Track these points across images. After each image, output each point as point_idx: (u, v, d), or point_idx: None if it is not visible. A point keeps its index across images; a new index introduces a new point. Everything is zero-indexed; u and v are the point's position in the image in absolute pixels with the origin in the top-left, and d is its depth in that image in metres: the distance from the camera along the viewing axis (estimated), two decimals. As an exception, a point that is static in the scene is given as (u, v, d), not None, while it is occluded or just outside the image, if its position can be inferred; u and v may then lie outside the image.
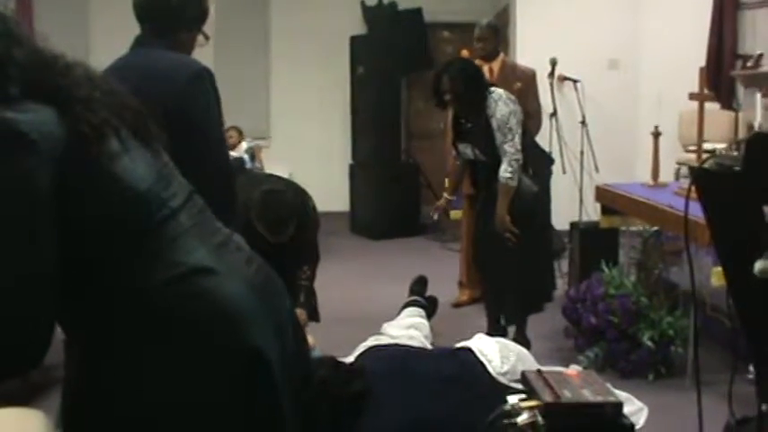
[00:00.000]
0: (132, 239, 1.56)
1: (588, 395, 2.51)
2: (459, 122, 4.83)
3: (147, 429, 1.56)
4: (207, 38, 3.01)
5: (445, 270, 6.39)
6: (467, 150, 4.79)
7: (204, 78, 2.79)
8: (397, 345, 3.96)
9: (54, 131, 1.47)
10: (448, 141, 5.69)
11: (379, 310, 5.24)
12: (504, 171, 4.56)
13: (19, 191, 1.41)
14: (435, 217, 5.36)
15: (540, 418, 2.43)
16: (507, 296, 4.80)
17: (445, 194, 5.20)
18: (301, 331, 1.87)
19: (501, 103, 4.59)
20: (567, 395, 2.49)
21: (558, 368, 3.26)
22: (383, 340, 4.15)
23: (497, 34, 5.65)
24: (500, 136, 4.56)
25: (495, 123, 4.56)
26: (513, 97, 4.70)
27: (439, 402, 3.32)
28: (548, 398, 2.47)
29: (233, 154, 8.18)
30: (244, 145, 8.38)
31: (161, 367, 1.55)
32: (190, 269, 1.58)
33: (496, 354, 3.61)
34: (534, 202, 4.74)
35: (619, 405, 2.49)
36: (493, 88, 4.71)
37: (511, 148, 4.56)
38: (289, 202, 4.11)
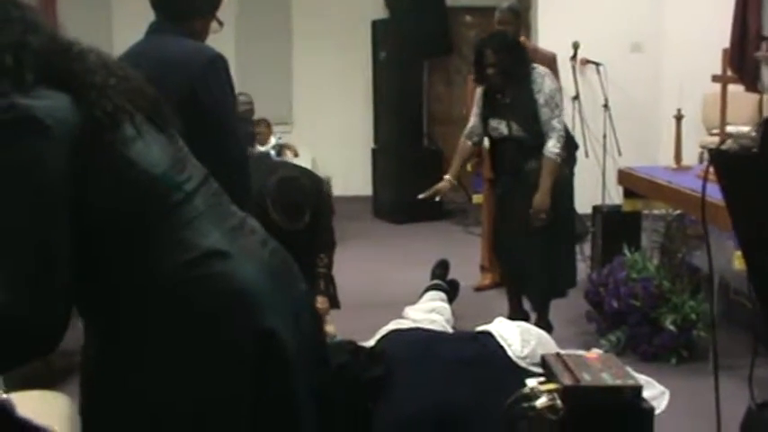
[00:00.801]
0: (147, 222, 1.57)
1: (607, 378, 2.50)
2: (493, 98, 4.70)
3: (162, 408, 1.57)
4: (221, 24, 3.02)
5: (467, 254, 6.39)
6: (500, 126, 4.65)
7: (218, 65, 2.81)
8: (417, 329, 3.97)
9: (68, 117, 1.49)
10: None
11: (401, 294, 5.25)
12: (553, 146, 4.48)
13: (34, 175, 1.43)
14: (437, 199, 5.04)
15: (559, 401, 2.43)
16: (532, 281, 4.75)
17: (447, 176, 4.93)
18: (316, 315, 1.87)
19: (548, 79, 4.57)
20: (586, 378, 2.49)
21: (578, 352, 3.25)
22: (404, 324, 4.16)
23: (518, 18, 5.61)
24: (548, 111, 4.50)
25: (542, 98, 4.50)
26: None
27: (459, 386, 3.33)
28: (567, 381, 2.47)
29: (260, 148, 8.20)
30: (272, 140, 8.36)
31: (176, 348, 1.57)
32: (204, 252, 1.60)
33: (517, 337, 3.61)
34: (566, 185, 4.71)
35: (638, 388, 2.48)
36: (535, 65, 4.68)
37: (558, 125, 4.53)
38: (304, 188, 4.11)
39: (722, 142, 1.78)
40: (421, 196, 4.97)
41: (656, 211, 5.63)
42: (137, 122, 1.61)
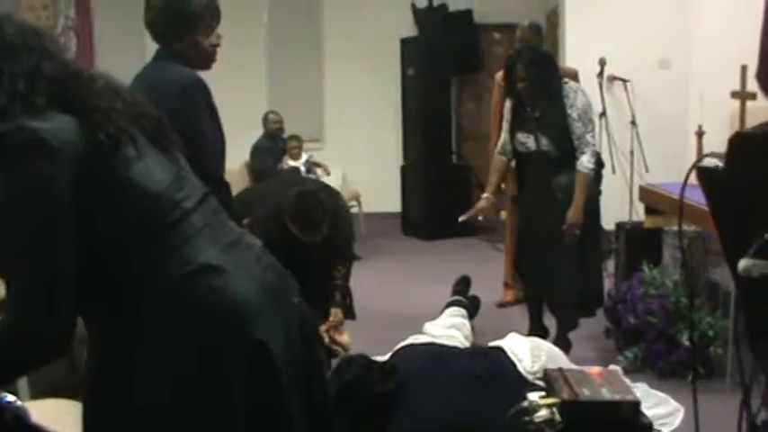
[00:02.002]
0: (147, 238, 1.66)
1: (606, 393, 2.54)
2: (522, 112, 4.67)
3: (154, 415, 1.65)
4: (218, 36, 3.08)
5: (493, 270, 6.43)
6: (528, 141, 4.62)
7: (193, 92, 2.89)
8: (431, 343, 4.02)
9: (73, 139, 1.59)
10: (494, 140, 5.69)
11: (425, 309, 5.28)
12: (588, 162, 4.47)
13: (42, 193, 1.54)
14: (480, 219, 4.90)
15: (557, 416, 2.48)
16: (560, 298, 4.71)
17: (486, 194, 4.84)
18: (311, 328, 1.94)
19: (580, 94, 4.56)
20: (585, 393, 2.53)
21: (584, 368, 3.28)
22: (421, 339, 4.21)
23: (539, 35, 5.65)
24: (581, 126, 4.48)
25: (575, 113, 4.48)
26: None
27: (470, 401, 3.36)
28: (565, 395, 2.51)
29: (291, 163, 8.32)
30: (304, 156, 8.48)
31: (169, 357, 1.65)
32: (199, 267, 1.68)
33: (527, 353, 3.65)
34: (594, 202, 4.71)
35: (636, 404, 2.52)
36: (567, 79, 4.68)
37: (592, 139, 4.52)
38: (322, 202, 4.19)
39: (701, 158, 1.83)
40: (462, 218, 4.84)
41: (677, 228, 5.62)
42: (138, 144, 1.71)
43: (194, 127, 2.86)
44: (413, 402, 3.34)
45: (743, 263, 1.55)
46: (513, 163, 4.95)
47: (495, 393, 3.36)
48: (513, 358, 3.58)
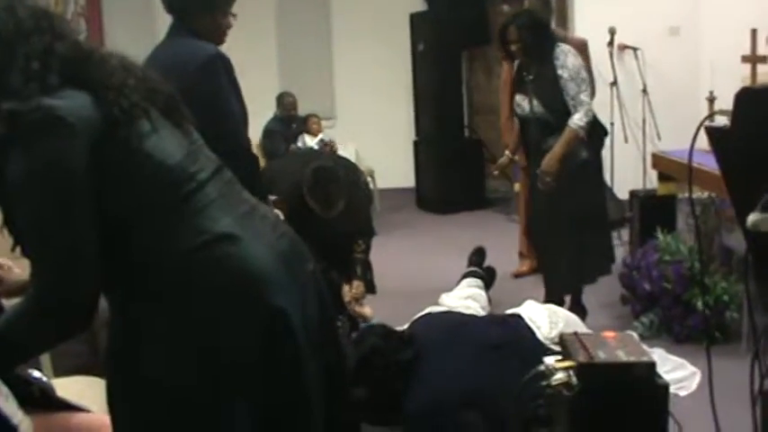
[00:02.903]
0: (163, 210, 1.70)
1: (622, 355, 2.55)
2: (520, 75, 4.75)
3: (174, 387, 1.70)
4: (233, 16, 3.10)
5: (508, 241, 6.46)
6: (523, 103, 4.69)
7: (214, 64, 2.90)
8: (449, 312, 4.06)
9: (89, 115, 1.63)
10: (505, 112, 5.73)
11: (441, 282, 5.32)
12: (579, 119, 4.49)
13: (59, 169, 1.58)
14: (496, 173, 5.43)
15: (573, 378, 2.50)
16: (562, 265, 4.78)
17: (507, 152, 5.15)
18: (326, 295, 1.98)
19: (571, 55, 4.59)
20: (600, 356, 2.54)
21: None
22: (439, 309, 4.25)
23: (548, 5, 5.64)
24: (574, 86, 4.51)
25: (567, 74, 4.51)
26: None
27: (488, 368, 3.39)
28: (581, 358, 2.53)
29: (309, 142, 8.34)
30: (320, 135, 8.50)
31: (189, 325, 1.69)
32: (215, 236, 1.72)
33: (545, 320, 3.68)
34: (588, 170, 4.72)
35: (652, 365, 2.52)
36: (559, 43, 4.71)
37: (586, 98, 4.53)
38: (338, 177, 4.23)
39: (708, 116, 1.85)
40: (495, 172, 5.41)
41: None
42: (152, 118, 1.75)
43: (220, 99, 2.89)
44: (431, 370, 3.37)
45: (751, 217, 1.57)
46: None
47: (513, 360, 3.39)
48: (530, 325, 3.61)
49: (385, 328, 3.59)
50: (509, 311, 3.87)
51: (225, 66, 2.92)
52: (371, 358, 3.39)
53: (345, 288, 4.44)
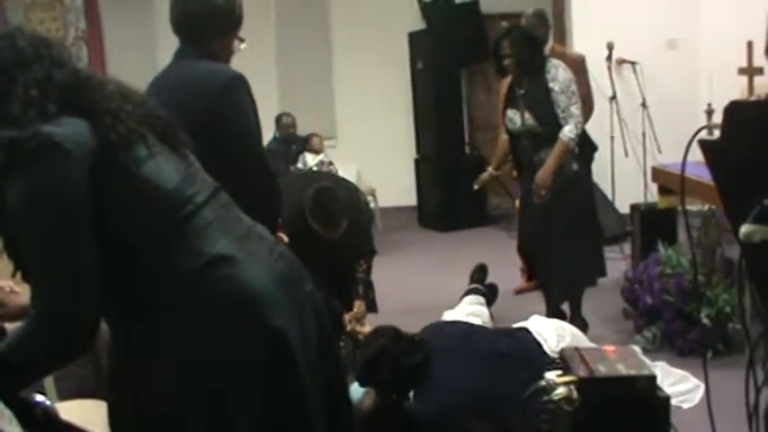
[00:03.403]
0: (161, 233, 1.72)
1: (622, 369, 2.57)
2: (512, 90, 4.82)
3: (174, 408, 1.71)
4: (242, 40, 3.11)
5: (509, 258, 6.43)
6: (515, 117, 4.76)
7: (237, 85, 2.90)
8: (458, 321, 4.06)
9: (86, 141, 1.65)
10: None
11: (444, 300, 5.31)
12: (570, 131, 4.56)
13: (58, 194, 1.61)
14: (476, 187, 5.43)
15: (574, 393, 2.51)
16: (552, 276, 4.80)
17: (490, 168, 5.24)
18: (324, 314, 1.99)
19: (561, 69, 4.66)
20: (601, 370, 2.56)
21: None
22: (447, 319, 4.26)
23: (545, 23, 5.69)
24: (564, 99, 4.57)
25: (557, 86, 4.58)
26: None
27: (497, 378, 3.37)
28: (582, 373, 2.55)
29: (310, 162, 8.35)
30: (321, 156, 8.50)
31: (187, 348, 1.71)
32: (213, 258, 1.74)
33: (552, 333, 3.68)
34: (580, 182, 4.77)
35: (652, 378, 2.55)
36: (550, 57, 4.78)
37: (577, 111, 4.60)
38: (339, 198, 4.23)
39: (700, 129, 1.87)
40: (476, 187, 5.37)
41: (692, 207, 5.64)
42: (149, 143, 1.77)
43: (243, 119, 2.90)
44: (438, 376, 3.35)
45: (744, 228, 1.59)
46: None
47: (521, 370, 3.38)
48: (538, 338, 3.61)
49: (396, 331, 3.56)
50: (516, 325, 3.88)
51: (245, 86, 2.94)
52: (380, 358, 3.38)
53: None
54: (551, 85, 4.59)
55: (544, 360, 3.51)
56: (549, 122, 4.60)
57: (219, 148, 2.79)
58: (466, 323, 4.11)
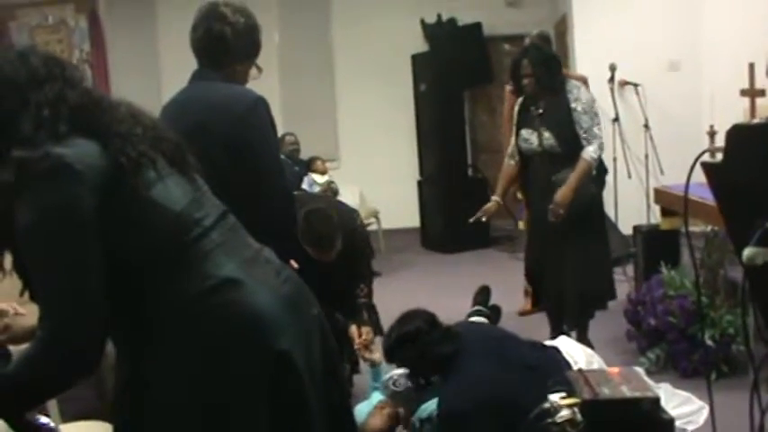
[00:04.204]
0: (169, 255, 1.73)
1: (626, 391, 2.57)
2: (527, 110, 4.77)
3: (182, 428, 1.71)
4: (260, 70, 3.16)
5: (513, 279, 6.45)
6: (531, 137, 4.71)
7: (260, 107, 2.94)
8: (493, 326, 4.02)
9: (97, 163, 1.66)
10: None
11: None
12: (594, 151, 4.56)
13: (68, 215, 1.61)
14: (484, 219, 5.02)
15: (578, 415, 2.51)
16: (568, 298, 4.78)
17: (494, 197, 4.99)
18: (331, 339, 1.99)
19: (584, 90, 4.68)
20: (605, 392, 2.56)
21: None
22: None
23: (548, 43, 5.72)
24: (588, 119, 4.57)
25: (581, 107, 4.58)
26: None
27: (525, 389, 3.31)
28: (586, 395, 2.54)
29: (317, 180, 8.35)
30: (326, 177, 8.52)
31: (196, 370, 1.71)
32: (220, 281, 1.74)
33: (582, 356, 3.65)
34: (594, 203, 4.78)
35: (656, 400, 2.54)
36: (569, 78, 4.79)
37: (599, 132, 4.60)
38: (330, 220, 4.16)
39: (702, 153, 1.88)
40: (471, 220, 5.00)
41: (695, 229, 5.64)
42: (158, 167, 1.78)
43: (266, 142, 2.94)
44: (469, 372, 3.29)
45: (747, 251, 1.60)
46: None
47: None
48: (568, 358, 3.58)
49: (433, 317, 3.56)
50: (547, 343, 3.85)
51: (267, 109, 2.97)
52: (411, 340, 3.38)
53: (354, 332, 4.40)
54: (574, 105, 4.58)
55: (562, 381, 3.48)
56: (569, 141, 4.59)
57: (241, 169, 2.83)
58: (501, 329, 4.07)
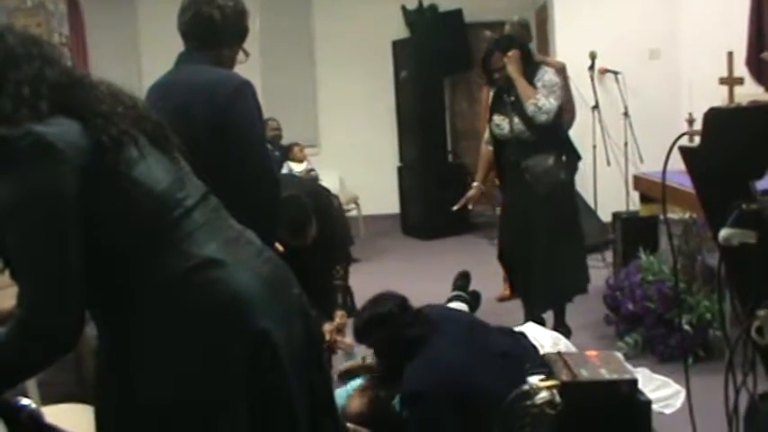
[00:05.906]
0: (151, 235, 1.73)
1: (605, 373, 2.60)
2: (500, 97, 4.80)
3: (161, 407, 1.72)
4: (246, 54, 3.16)
5: (492, 266, 6.42)
6: (502, 123, 4.74)
7: (246, 90, 2.94)
8: (462, 311, 4.04)
9: (78, 142, 1.65)
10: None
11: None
12: (544, 104, 4.55)
13: (49, 194, 1.60)
14: (470, 207, 5.20)
15: (557, 397, 2.54)
16: (535, 286, 4.82)
17: (475, 183, 5.08)
18: (311, 318, 2.00)
19: (550, 73, 4.71)
20: (583, 374, 2.59)
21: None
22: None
23: (528, 31, 5.73)
24: (545, 91, 4.59)
25: (541, 84, 4.61)
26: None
27: (492, 375, 3.34)
28: (565, 377, 2.58)
29: (294, 168, 8.35)
30: (304, 164, 8.51)
31: (174, 350, 1.71)
32: (202, 261, 1.74)
33: (549, 340, 3.69)
34: (565, 190, 4.81)
35: (634, 382, 2.58)
36: (543, 66, 4.81)
37: (555, 102, 4.59)
38: (303, 206, 4.15)
39: (680, 136, 1.90)
40: (455, 207, 5.06)
41: (673, 215, 5.69)
42: (140, 145, 1.77)
43: (251, 124, 2.94)
44: (438, 354, 3.31)
45: (723, 232, 1.62)
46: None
47: (518, 373, 3.35)
48: (535, 343, 3.62)
49: (404, 300, 3.58)
50: (515, 329, 3.88)
51: (253, 92, 2.97)
52: (382, 322, 3.40)
53: (326, 328, 4.39)
54: (537, 84, 4.61)
55: (540, 364, 3.52)
56: (538, 128, 4.61)
57: (226, 152, 2.83)
58: (471, 314, 4.08)
